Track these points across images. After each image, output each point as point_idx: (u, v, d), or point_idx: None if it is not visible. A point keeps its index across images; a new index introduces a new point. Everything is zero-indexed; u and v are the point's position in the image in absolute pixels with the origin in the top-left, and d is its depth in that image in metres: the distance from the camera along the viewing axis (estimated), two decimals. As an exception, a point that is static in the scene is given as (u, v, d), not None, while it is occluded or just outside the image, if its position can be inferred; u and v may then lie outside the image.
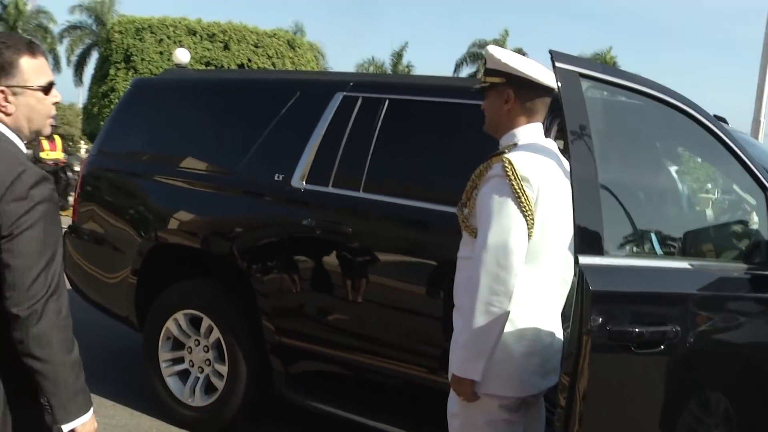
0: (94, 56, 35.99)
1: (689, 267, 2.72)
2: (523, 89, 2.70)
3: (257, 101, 4.66)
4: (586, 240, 2.35)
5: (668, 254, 2.98)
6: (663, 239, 3.08)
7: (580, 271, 2.32)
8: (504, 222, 2.51)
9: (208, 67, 20.54)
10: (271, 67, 21.58)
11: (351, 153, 4.13)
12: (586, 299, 2.31)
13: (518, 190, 2.51)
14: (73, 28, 45.33)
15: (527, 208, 2.52)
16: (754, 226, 3.41)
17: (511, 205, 2.52)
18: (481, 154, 3.96)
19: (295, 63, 23.14)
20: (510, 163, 2.55)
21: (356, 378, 4.19)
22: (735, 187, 3.66)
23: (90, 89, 23.04)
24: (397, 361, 3.92)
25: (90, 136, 22.82)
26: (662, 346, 2.43)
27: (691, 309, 2.59)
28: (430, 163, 3.99)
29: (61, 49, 45.85)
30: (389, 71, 42.31)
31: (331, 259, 4.09)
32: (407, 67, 45.25)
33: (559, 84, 2.42)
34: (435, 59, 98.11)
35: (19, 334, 1.93)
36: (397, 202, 3.93)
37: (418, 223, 3.89)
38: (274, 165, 4.34)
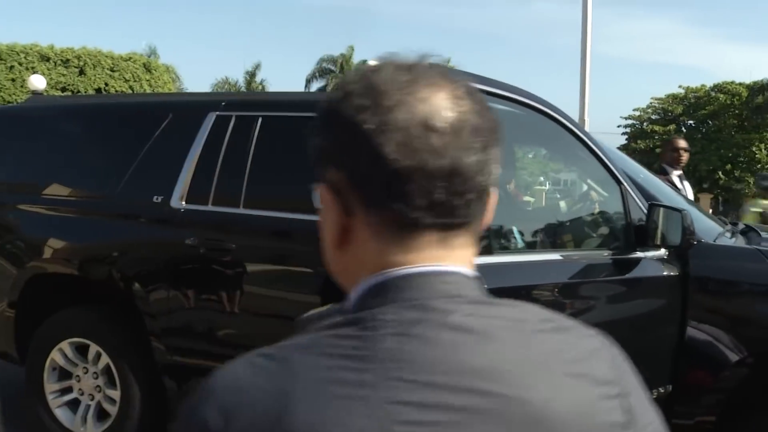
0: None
1: (560, 258, 2.78)
2: None
3: (129, 125, 4.42)
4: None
5: (534, 247, 3.04)
6: (525, 234, 3.14)
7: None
8: None
9: (65, 93, 19.58)
10: (129, 91, 20.85)
11: (228, 171, 3.98)
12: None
13: None
14: None
15: None
16: (606, 217, 3.56)
17: None
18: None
19: (152, 85, 22.48)
20: None
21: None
22: (589, 181, 3.79)
23: (-59, 121, 21.43)
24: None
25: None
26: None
27: (562, 298, 2.64)
28: (307, 176, 3.89)
29: None
30: (243, 90, 41.72)
31: (216, 276, 3.93)
32: (261, 84, 44.82)
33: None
34: (286, 77, 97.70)
35: None
36: (279, 216, 3.82)
37: (301, 234, 3.78)
38: (152, 187, 4.12)
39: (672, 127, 34.38)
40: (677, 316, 3.28)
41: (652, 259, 3.23)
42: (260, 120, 3.97)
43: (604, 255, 3.12)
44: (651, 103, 36.51)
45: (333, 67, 44.25)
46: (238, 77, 45.92)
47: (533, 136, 3.65)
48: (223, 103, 4.16)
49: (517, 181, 4.68)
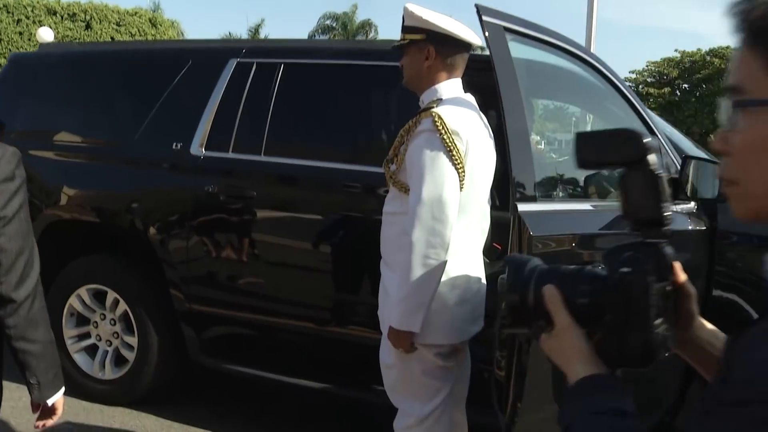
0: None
1: (591, 208, 2.64)
2: (444, 45, 2.50)
3: (148, 71, 4.22)
4: (520, 189, 2.20)
5: (573, 197, 2.90)
6: (563, 184, 3.00)
7: (519, 218, 2.16)
8: (437, 175, 2.32)
9: (72, 46, 19.20)
10: (136, 45, 20.45)
11: (249, 118, 3.81)
12: (527, 244, 2.16)
13: (449, 144, 2.32)
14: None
15: (459, 161, 2.34)
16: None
17: (443, 159, 2.33)
18: (379, 112, 3.79)
19: (157, 40, 22.04)
20: (440, 117, 2.35)
21: (268, 338, 3.92)
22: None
23: (-51, 71, 21.09)
24: (311, 321, 3.69)
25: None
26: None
27: (594, 249, 2.50)
28: (329, 123, 3.74)
29: None
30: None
31: (235, 224, 3.78)
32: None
33: (487, 37, 2.23)
34: (289, 34, 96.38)
35: (14, 320, 1.76)
36: (299, 163, 3.66)
37: (322, 182, 3.63)
38: (171, 134, 3.95)
39: (667, 90, 34.01)
40: (704, 271, 3.15)
41: (681, 213, 3.09)
42: (282, 67, 3.79)
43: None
44: (647, 66, 36.05)
45: (335, 24, 43.59)
46: (242, 33, 45.23)
47: (566, 87, 3.47)
48: (243, 50, 3.96)
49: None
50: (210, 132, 3.85)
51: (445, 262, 2.36)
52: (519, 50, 2.51)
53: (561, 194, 2.79)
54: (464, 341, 2.59)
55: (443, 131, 2.33)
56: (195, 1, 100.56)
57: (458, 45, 2.52)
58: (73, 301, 4.17)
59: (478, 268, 2.61)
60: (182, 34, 33.75)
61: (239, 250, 3.77)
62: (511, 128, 2.20)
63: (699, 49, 34.50)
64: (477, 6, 2.32)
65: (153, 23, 22.37)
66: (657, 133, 3.02)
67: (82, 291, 4.15)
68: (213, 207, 3.81)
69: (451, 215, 2.31)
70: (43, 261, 4.19)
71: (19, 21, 19.95)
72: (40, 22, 19.65)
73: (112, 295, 4.09)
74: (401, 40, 2.59)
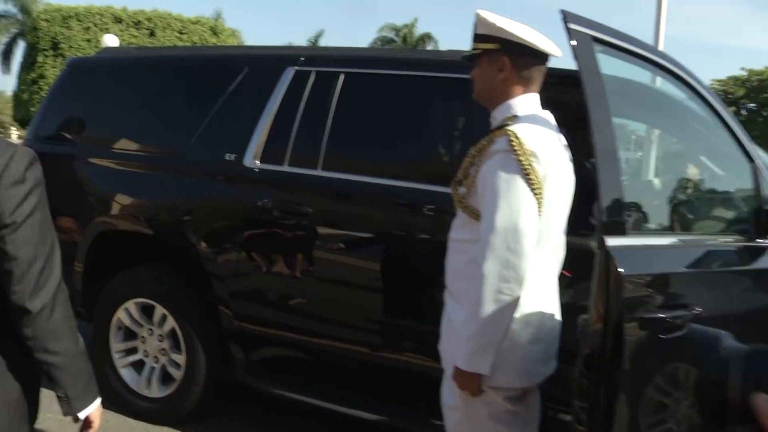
0: (22, 45, 33.86)
1: (696, 243, 2.34)
2: (520, 56, 2.24)
3: (203, 78, 4.06)
4: (610, 218, 1.93)
5: (664, 229, 2.60)
6: (650, 213, 2.70)
7: (607, 253, 1.89)
8: (513, 202, 2.06)
9: (136, 53, 19.53)
10: (197, 53, 20.68)
11: (307, 130, 3.61)
12: (615, 283, 1.89)
13: (527, 167, 2.06)
14: (-3, 17, 42.98)
15: (537, 186, 2.08)
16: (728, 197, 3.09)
17: (519, 183, 2.07)
18: (445, 126, 3.54)
19: (213, 46, 22.29)
20: (516, 136, 2.09)
21: (320, 363, 3.70)
22: (702, 158, 3.30)
23: (19, 77, 21.75)
24: (363, 346, 3.46)
25: (21, 122, 21.55)
26: (685, 330, 2.04)
27: (705, 287, 2.21)
28: (393, 138, 3.51)
29: (-13, 39, 43.59)
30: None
31: (290, 241, 3.58)
32: (323, 52, 44.37)
33: (574, 46, 1.98)
34: (348, 44, 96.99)
35: (31, 330, 1.66)
36: (358, 179, 3.44)
37: (384, 201, 3.40)
38: (225, 144, 3.78)
39: (733, 109, 32.99)
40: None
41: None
42: (342, 77, 3.59)
43: (728, 241, 2.67)
44: (711, 84, 35.07)
45: (395, 37, 43.61)
46: (302, 43, 45.59)
47: (650, 105, 3.17)
48: (302, 58, 3.77)
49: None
50: (266, 143, 3.67)
51: (518, 298, 2.10)
52: (606, 62, 2.25)
53: (650, 225, 2.51)
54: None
55: (520, 152, 2.07)
56: (256, 11, 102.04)
57: (536, 56, 2.26)
58: (120, 314, 4.03)
59: (552, 303, 2.35)
60: (243, 43, 34.18)
61: (292, 268, 3.57)
62: (600, 147, 1.94)
63: (767, 67, 33.38)
64: (563, 12, 2.07)
65: (214, 31, 22.57)
66: (753, 157, 2.71)
67: (130, 304, 4.00)
68: (266, 222, 3.62)
69: (527, 246, 2.06)
70: (93, 271, 4.08)
71: (87, 28, 20.36)
72: (107, 29, 19.99)
73: (160, 310, 3.93)
74: (472, 49, 2.35)
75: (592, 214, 4.42)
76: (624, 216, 2.00)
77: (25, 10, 40.51)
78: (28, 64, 20.77)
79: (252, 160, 3.67)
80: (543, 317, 2.26)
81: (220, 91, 3.89)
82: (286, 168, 3.60)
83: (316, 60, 3.75)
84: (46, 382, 1.77)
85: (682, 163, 3.74)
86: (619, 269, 1.89)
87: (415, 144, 3.50)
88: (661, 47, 11.80)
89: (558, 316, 2.37)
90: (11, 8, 42.31)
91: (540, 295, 2.25)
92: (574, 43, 2.01)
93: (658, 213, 2.77)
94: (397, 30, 43.70)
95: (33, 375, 1.77)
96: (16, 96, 22.32)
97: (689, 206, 2.97)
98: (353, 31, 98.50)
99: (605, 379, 1.94)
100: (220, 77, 3.94)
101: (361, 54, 4.01)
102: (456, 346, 2.21)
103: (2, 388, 1.69)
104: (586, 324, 2.11)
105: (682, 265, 2.24)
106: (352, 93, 3.56)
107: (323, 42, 42.60)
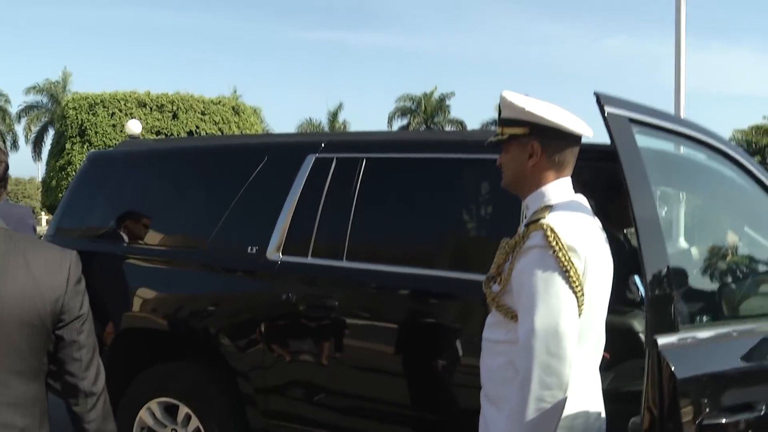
0: (51, 132, 34.73)
1: (752, 332, 2.15)
2: (551, 140, 2.08)
3: (222, 169, 3.99)
4: (659, 312, 1.75)
5: (713, 311, 2.42)
6: (695, 297, 2.52)
7: (659, 354, 1.72)
8: (552, 302, 1.90)
9: (159, 136, 19.82)
10: (219, 133, 20.96)
11: (330, 219, 3.49)
12: (670, 388, 1.71)
13: (565, 263, 1.90)
14: (29, 108, 44.32)
15: (577, 283, 1.91)
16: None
17: (558, 282, 1.90)
18: (474, 211, 3.41)
19: (240, 127, 22.66)
20: (552, 231, 1.93)
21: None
22: (747, 229, 3.12)
23: (47, 164, 22.22)
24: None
25: (49, 208, 21.86)
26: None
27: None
28: (419, 224, 3.37)
29: (19, 128, 44.99)
30: (326, 130, 41.88)
31: (316, 335, 3.42)
32: (343, 124, 45.01)
33: (611, 131, 1.84)
34: (367, 116, 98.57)
35: (94, 413, 1.84)
36: (387, 269, 3.29)
37: (412, 290, 3.25)
38: (246, 236, 3.67)
39: (757, 158, 32.65)
40: None
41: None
42: (364, 162, 3.48)
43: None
44: (733, 135, 34.81)
45: (413, 106, 44.13)
46: (321, 118, 46.24)
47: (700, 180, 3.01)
48: (322, 144, 3.68)
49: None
50: (288, 235, 3.55)
51: (563, 403, 1.92)
52: (644, 141, 2.11)
53: (703, 317, 2.32)
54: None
55: (558, 248, 1.92)
56: (272, 87, 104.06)
57: (567, 138, 2.12)
58: (143, 414, 3.86)
59: (597, 402, 2.15)
60: (263, 120, 34.78)
61: (319, 364, 3.40)
62: (644, 237, 1.78)
63: (789, 116, 33.16)
64: (597, 95, 1.95)
65: (236, 111, 22.92)
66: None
67: (153, 404, 3.83)
68: (291, 316, 3.48)
69: (569, 349, 1.89)
70: (116, 369, 3.94)
71: (113, 114, 20.76)
72: (131, 114, 20.38)
73: (183, 410, 3.76)
74: (499, 134, 2.21)
75: (629, 289, 4.25)
76: (673, 306, 1.82)
77: (55, 100, 41.73)
78: (57, 151, 21.18)
79: (274, 252, 3.55)
80: (588, 418, 2.07)
81: (240, 182, 3.80)
82: (309, 260, 3.47)
83: (336, 146, 3.66)
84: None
85: (721, 231, 3.56)
86: (674, 373, 1.71)
87: (443, 231, 3.36)
88: (682, 102, 11.73)
89: (603, 414, 2.18)
90: (42, 98, 43.67)
91: (584, 395, 2.07)
92: (611, 128, 1.88)
93: (703, 292, 2.58)
94: (414, 99, 44.26)
95: None
96: (45, 182, 22.73)
97: (737, 283, 2.78)
98: (372, 101, 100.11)
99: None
100: (240, 167, 3.86)
101: (382, 138, 3.93)
102: None
103: None
104: (637, 429, 1.93)
105: (738, 357, 2.05)
106: (374, 179, 3.45)
107: (342, 114, 43.21)
